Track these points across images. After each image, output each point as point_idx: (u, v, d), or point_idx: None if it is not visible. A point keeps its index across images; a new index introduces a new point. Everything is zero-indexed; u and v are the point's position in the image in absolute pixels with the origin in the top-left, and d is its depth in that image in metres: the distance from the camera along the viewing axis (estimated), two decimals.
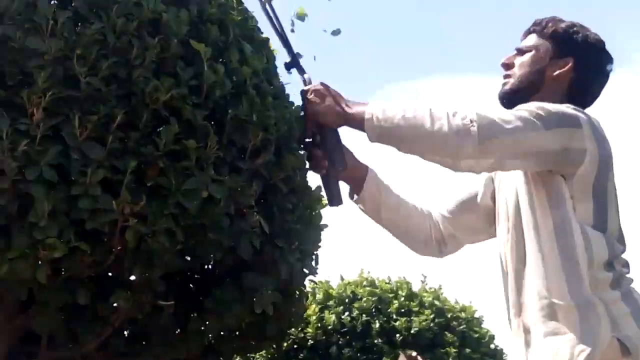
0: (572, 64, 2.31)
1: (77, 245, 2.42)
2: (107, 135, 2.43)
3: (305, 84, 2.56)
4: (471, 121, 2.14)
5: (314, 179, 2.97)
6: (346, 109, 2.43)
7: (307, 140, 2.59)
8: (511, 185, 2.34)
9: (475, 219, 2.57)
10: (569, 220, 2.17)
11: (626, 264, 2.21)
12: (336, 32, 3.50)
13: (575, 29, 2.36)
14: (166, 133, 2.45)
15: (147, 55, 2.50)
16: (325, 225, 3.05)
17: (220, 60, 2.70)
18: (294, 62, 2.61)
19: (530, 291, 2.19)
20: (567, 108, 2.22)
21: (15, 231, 2.41)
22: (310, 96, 2.48)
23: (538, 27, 2.40)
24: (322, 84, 2.50)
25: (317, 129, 2.50)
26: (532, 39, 2.38)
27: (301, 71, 2.58)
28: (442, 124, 2.18)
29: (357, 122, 2.36)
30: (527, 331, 2.21)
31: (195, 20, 2.71)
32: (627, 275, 2.20)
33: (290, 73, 2.62)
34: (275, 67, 3.05)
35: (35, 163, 2.32)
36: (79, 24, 2.51)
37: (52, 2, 2.53)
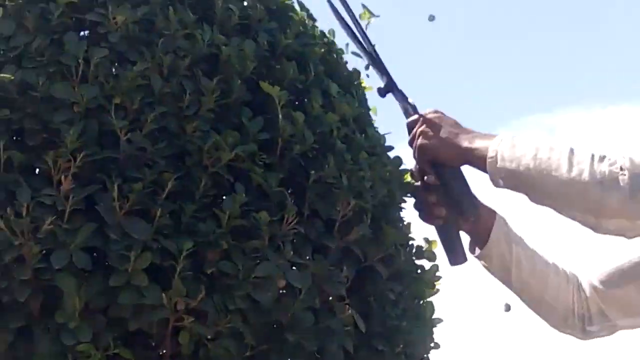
0: None
1: (117, 352, 2.15)
2: (155, 208, 2.13)
3: (408, 114, 2.12)
4: (621, 168, 1.83)
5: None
6: (468, 143, 2.02)
7: (416, 184, 2.19)
8: None
9: (638, 295, 2.15)
10: None
11: None
12: (431, 18, 3.52)
13: None
14: (230, 204, 2.16)
15: (204, 102, 2.22)
16: (440, 320, 2.70)
17: (299, 105, 2.40)
18: (391, 86, 2.17)
19: None
20: None
21: (39, 335, 2.15)
22: (421, 128, 2.05)
23: None
24: (436, 111, 2.10)
25: (432, 169, 2.08)
26: None
27: (402, 97, 2.16)
28: (582, 169, 1.87)
29: (479, 161, 1.97)
30: None
31: (265, 55, 2.42)
32: None
33: (384, 97, 2.17)
34: (368, 110, 2.78)
35: (63, 246, 2.07)
36: (117, 64, 2.25)
37: (83, 38, 2.30)
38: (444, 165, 2.05)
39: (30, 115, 2.13)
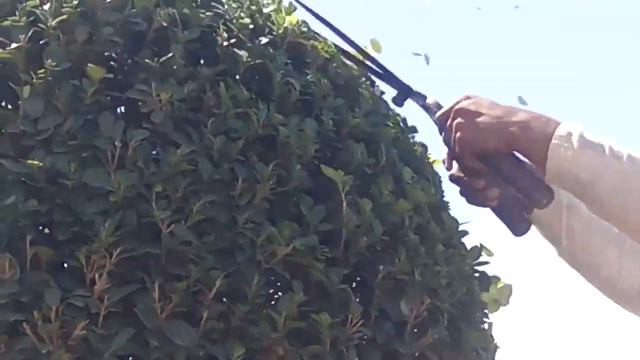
0: None
1: None
2: (201, 310, 1.93)
3: (433, 112, 1.92)
4: None
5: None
6: (517, 126, 1.74)
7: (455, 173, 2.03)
8: None
9: None
10: None
11: None
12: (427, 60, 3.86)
13: None
14: (287, 304, 1.96)
15: (258, 190, 2.02)
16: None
17: (367, 193, 2.21)
18: (406, 91, 2.00)
19: None
20: None
21: None
22: (457, 120, 1.82)
23: None
24: (467, 97, 1.84)
25: (479, 161, 1.92)
26: None
27: (421, 97, 1.97)
28: None
29: (536, 145, 1.70)
30: None
31: (329, 136, 2.24)
32: None
33: (402, 105, 2.00)
34: (443, 195, 2.62)
35: (97, 354, 1.88)
36: (159, 147, 2.07)
37: (120, 119, 2.13)
38: (491, 155, 1.80)
39: (60, 205, 1.93)
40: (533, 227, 1.89)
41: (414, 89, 1.96)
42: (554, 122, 1.66)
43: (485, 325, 2.43)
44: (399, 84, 2.01)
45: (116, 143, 1.92)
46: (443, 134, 1.82)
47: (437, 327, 2.19)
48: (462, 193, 1.86)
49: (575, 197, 1.76)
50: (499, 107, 1.75)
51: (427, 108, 1.91)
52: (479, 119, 1.77)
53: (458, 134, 1.79)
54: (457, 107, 1.79)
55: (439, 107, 1.87)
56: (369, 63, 2.19)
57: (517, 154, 1.78)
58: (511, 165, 1.74)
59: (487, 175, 1.78)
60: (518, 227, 1.82)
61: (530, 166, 1.80)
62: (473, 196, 1.84)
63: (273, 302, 2.04)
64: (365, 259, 2.15)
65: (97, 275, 1.84)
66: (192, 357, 1.89)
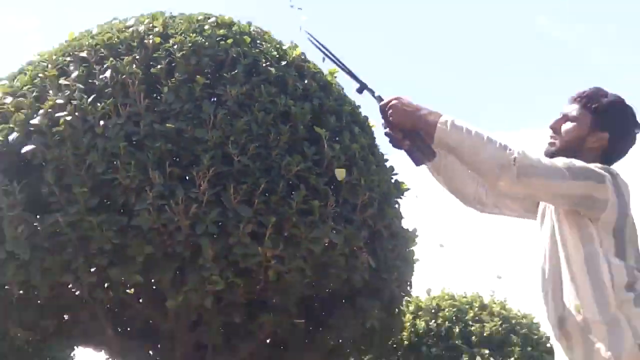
0: (607, 138, 2.36)
1: (233, 280, 2.57)
2: (254, 198, 2.55)
3: (379, 101, 2.56)
4: (514, 160, 2.14)
5: (408, 224, 3.02)
6: (419, 112, 2.38)
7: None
8: (549, 219, 2.40)
9: (518, 207, 2.57)
10: (597, 253, 2.21)
11: None
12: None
13: (614, 106, 2.36)
14: (297, 196, 2.56)
15: (281, 139, 2.64)
16: (417, 260, 3.11)
17: (336, 140, 2.79)
18: (363, 86, 2.38)
19: (568, 307, 2.28)
20: (596, 167, 2.23)
21: (188, 271, 2.57)
22: (389, 108, 2.50)
23: (583, 99, 2.40)
24: (397, 97, 2.50)
25: (399, 131, 2.51)
26: (576, 109, 2.38)
27: (371, 92, 2.56)
28: (492, 154, 2.19)
29: (429, 127, 2.35)
30: (568, 338, 2.28)
31: (316, 110, 2.82)
32: None
33: (361, 93, 2.55)
34: (374, 141, 3.11)
35: (202, 221, 2.49)
36: (232, 117, 2.66)
37: (213, 101, 2.69)
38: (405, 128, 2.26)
39: (183, 147, 2.55)
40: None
41: (368, 85, 2.31)
42: (438, 114, 2.19)
43: (398, 206, 2.86)
44: (360, 82, 2.59)
45: (210, 115, 2.57)
46: (382, 115, 2.27)
47: (372, 207, 2.72)
48: (389, 141, 2.30)
49: (448, 153, 2.27)
50: (412, 105, 2.25)
51: (375, 97, 2.28)
52: (400, 111, 2.27)
53: (390, 117, 2.30)
54: (391, 102, 2.29)
55: (381, 99, 2.33)
56: (345, 71, 2.64)
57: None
58: (415, 136, 2.23)
59: (403, 135, 2.23)
60: (416, 161, 2.25)
61: (421, 136, 2.24)
62: (395, 143, 2.33)
63: (291, 195, 2.56)
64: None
65: (202, 182, 2.47)
66: (249, 222, 2.45)
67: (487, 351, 5.76)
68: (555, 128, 2.44)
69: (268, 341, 3.23)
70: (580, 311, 2.25)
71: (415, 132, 2.37)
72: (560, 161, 2.24)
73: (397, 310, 3.08)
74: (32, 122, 2.63)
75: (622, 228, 2.28)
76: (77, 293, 2.93)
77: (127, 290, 3.00)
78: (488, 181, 2.23)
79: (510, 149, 2.11)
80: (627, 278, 2.24)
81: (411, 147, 2.43)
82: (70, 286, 2.82)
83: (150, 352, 3.22)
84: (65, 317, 3.22)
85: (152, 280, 2.71)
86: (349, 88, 3.00)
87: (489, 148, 2.16)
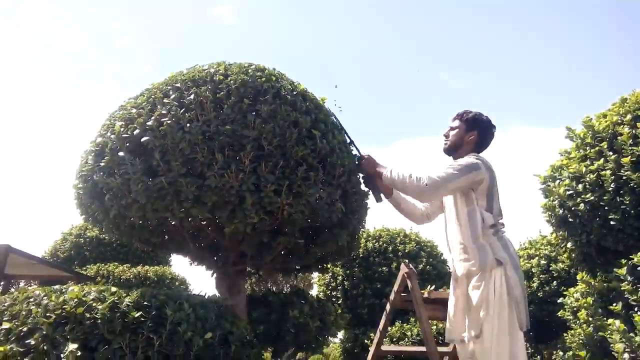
0: (476, 135, 2.75)
1: (263, 217, 2.73)
2: (275, 171, 2.65)
3: (360, 155, 2.88)
4: (426, 185, 2.50)
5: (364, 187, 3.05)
6: (377, 169, 2.74)
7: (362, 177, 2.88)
8: (449, 199, 2.74)
9: (436, 207, 2.90)
10: (475, 209, 2.66)
11: (502, 225, 2.52)
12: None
13: (478, 116, 2.67)
14: (301, 170, 2.71)
15: (293, 137, 2.80)
16: (369, 207, 3.23)
17: (324, 138, 2.91)
18: (356, 148, 2.95)
19: (455, 241, 2.63)
20: (471, 158, 2.59)
21: (237, 211, 2.68)
22: (363, 161, 2.85)
23: (459, 116, 2.72)
24: (368, 155, 2.83)
25: (367, 176, 2.82)
26: (457, 122, 2.76)
27: (358, 151, 2.93)
28: (412, 185, 2.54)
29: (380, 176, 2.73)
30: (456, 256, 2.72)
31: (313, 120, 2.94)
32: (502, 229, 2.52)
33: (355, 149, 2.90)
34: (345, 140, 3.11)
35: (245, 183, 2.63)
36: (264, 123, 2.78)
37: (253, 114, 2.77)
38: (370, 175, 2.81)
39: (235, 141, 2.65)
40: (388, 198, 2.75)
41: (358, 149, 2.93)
42: (384, 167, 2.69)
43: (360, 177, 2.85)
44: (355, 147, 2.99)
45: (251, 122, 2.67)
46: (360, 165, 2.86)
47: (344, 175, 2.82)
48: (366, 186, 2.85)
49: (395, 189, 2.74)
50: (374, 160, 2.75)
51: (359, 154, 2.84)
52: (369, 163, 2.80)
53: (362, 167, 2.83)
54: (364, 158, 2.81)
55: (361, 154, 2.87)
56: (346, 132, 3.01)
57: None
58: (373, 181, 2.77)
59: (372, 185, 2.77)
60: (376, 199, 2.79)
61: (377, 186, 2.76)
62: (367, 184, 2.89)
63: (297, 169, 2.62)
64: (325, 156, 2.80)
65: (246, 160, 2.58)
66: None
67: (407, 260, 6.08)
68: (446, 135, 2.88)
69: (282, 252, 3.36)
70: (461, 241, 2.69)
71: (373, 179, 2.77)
72: (451, 167, 2.68)
73: (356, 236, 3.22)
74: (147, 123, 2.80)
75: (492, 192, 2.75)
76: (173, 223, 3.14)
77: (202, 222, 3.17)
78: (416, 199, 2.65)
79: (420, 179, 2.50)
80: (492, 221, 2.70)
81: (373, 190, 2.82)
82: (169, 219, 3.00)
83: (215, 259, 3.40)
84: (166, 237, 3.43)
85: (216, 217, 2.81)
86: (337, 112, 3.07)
87: (409, 183, 2.53)
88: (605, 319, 2.22)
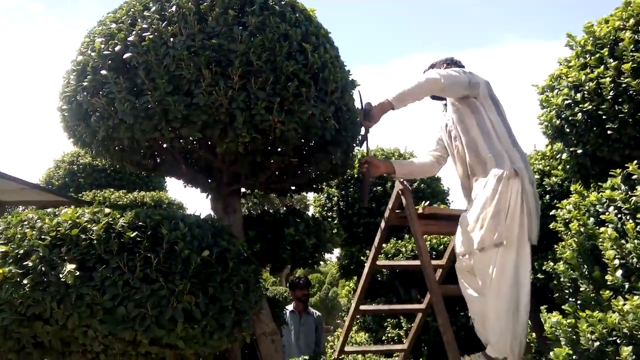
0: (446, 64, 2.77)
1: (255, 135, 2.68)
2: (266, 87, 2.58)
3: (367, 151, 3.11)
4: (442, 80, 2.72)
5: (357, 104, 3.11)
6: (382, 103, 2.92)
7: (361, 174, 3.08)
8: (449, 123, 2.90)
9: (442, 150, 3.08)
10: (483, 117, 2.69)
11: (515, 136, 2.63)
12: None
13: (448, 58, 2.95)
14: (292, 86, 2.64)
15: (283, 50, 2.69)
16: (361, 126, 3.14)
17: (316, 51, 2.83)
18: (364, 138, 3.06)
19: (473, 155, 2.74)
20: (461, 70, 2.77)
21: (228, 130, 2.64)
22: (364, 162, 3.15)
23: (438, 60, 2.96)
24: (370, 157, 3.16)
25: (363, 177, 3.08)
26: (438, 59, 2.91)
27: (367, 148, 3.12)
28: (429, 85, 2.74)
29: (388, 106, 2.88)
30: (472, 168, 2.78)
31: (304, 33, 2.85)
32: (517, 139, 2.64)
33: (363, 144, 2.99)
34: (339, 53, 3.07)
35: (235, 100, 2.57)
36: (252, 36, 2.67)
37: (240, 27, 2.67)
38: (367, 178, 3.02)
39: (222, 55, 2.55)
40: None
41: (368, 102, 3.01)
42: (386, 99, 2.85)
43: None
44: (365, 139, 3.07)
45: (238, 35, 2.55)
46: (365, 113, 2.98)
47: (337, 92, 2.79)
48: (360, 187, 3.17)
49: (412, 100, 2.85)
50: (375, 158, 3.00)
51: (368, 149, 3.04)
52: (376, 110, 2.91)
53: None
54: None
55: (370, 105, 2.99)
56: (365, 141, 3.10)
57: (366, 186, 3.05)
58: (366, 182, 2.92)
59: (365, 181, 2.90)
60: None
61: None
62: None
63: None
64: (317, 70, 2.70)
65: (234, 76, 2.50)
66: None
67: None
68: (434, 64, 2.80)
69: (276, 172, 3.36)
70: (480, 154, 2.73)
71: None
72: (455, 70, 2.75)
73: (350, 154, 3.20)
74: (129, 39, 2.70)
75: (495, 96, 2.76)
76: (163, 145, 3.12)
77: (193, 143, 3.15)
78: (437, 93, 2.85)
79: (430, 79, 2.77)
80: (505, 129, 2.73)
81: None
82: (159, 140, 2.96)
83: (209, 180, 3.38)
84: (157, 159, 3.39)
85: (207, 137, 2.77)
86: (327, 25, 2.97)
87: (425, 85, 2.78)
88: (597, 227, 2.26)
